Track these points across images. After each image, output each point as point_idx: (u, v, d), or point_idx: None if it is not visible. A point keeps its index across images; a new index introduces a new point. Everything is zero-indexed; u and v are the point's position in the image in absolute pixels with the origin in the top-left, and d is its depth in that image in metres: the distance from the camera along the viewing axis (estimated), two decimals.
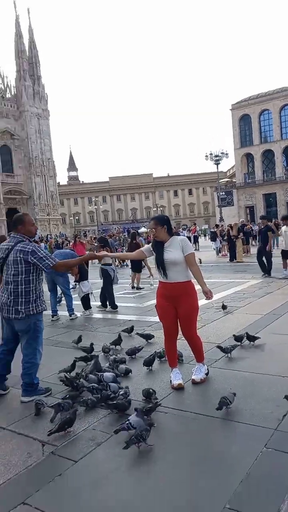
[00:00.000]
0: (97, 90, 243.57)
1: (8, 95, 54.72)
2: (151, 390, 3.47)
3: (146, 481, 2.43)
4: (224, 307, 6.69)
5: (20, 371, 3.84)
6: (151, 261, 4.91)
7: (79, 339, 5.39)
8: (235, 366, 4.20)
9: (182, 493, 2.28)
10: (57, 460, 2.72)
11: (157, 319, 6.30)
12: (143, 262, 10.92)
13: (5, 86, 54.87)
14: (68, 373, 4.08)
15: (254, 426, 2.92)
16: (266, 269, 11.00)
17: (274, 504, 2.11)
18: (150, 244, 3.97)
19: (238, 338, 4.79)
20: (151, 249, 3.85)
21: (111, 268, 8.16)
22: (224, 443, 2.75)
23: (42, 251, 3.76)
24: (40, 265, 3.71)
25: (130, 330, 5.76)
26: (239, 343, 4.74)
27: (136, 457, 2.68)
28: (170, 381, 3.82)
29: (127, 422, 2.79)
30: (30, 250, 3.69)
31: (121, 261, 18.17)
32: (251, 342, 4.79)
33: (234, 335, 4.91)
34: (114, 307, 8.02)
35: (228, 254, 16.68)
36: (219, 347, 4.49)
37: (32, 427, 3.24)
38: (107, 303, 8.12)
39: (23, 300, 3.71)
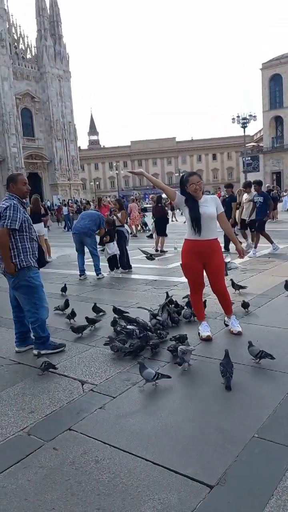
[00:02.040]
0: (119, 51, 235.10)
1: (28, 56, 53.50)
2: (184, 335, 3.78)
3: (179, 412, 2.67)
4: (245, 305, 4.76)
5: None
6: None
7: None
8: (261, 321, 4.35)
9: (213, 422, 2.51)
10: (97, 396, 2.98)
11: (181, 279, 6.50)
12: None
13: (26, 46, 53.52)
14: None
15: (280, 372, 3.10)
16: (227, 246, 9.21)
17: None
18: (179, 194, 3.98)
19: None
20: (183, 201, 3.92)
21: (126, 229, 8.47)
22: (252, 385, 2.94)
23: (12, 211, 3.65)
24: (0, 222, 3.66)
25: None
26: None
27: (170, 393, 2.92)
28: (198, 333, 4.01)
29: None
30: (5, 206, 3.68)
31: (143, 226, 18.31)
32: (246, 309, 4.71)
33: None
34: (130, 267, 8.31)
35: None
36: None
37: (70, 369, 3.50)
38: (124, 264, 8.34)
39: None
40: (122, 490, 2.00)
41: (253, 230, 9.59)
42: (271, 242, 9.16)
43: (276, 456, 2.15)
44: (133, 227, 16.98)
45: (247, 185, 10.08)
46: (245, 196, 9.87)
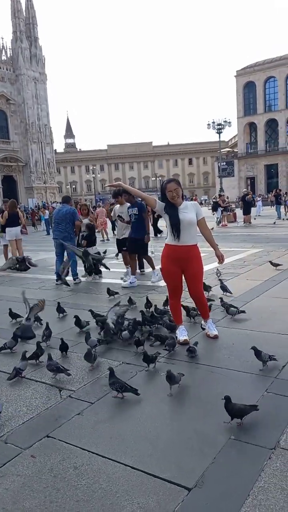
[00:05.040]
0: (95, 53, 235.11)
1: (3, 58, 52.79)
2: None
3: (157, 416, 2.70)
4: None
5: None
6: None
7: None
8: (238, 325, 4.44)
9: (190, 426, 2.55)
10: (75, 402, 2.97)
11: (158, 283, 6.56)
12: None
13: (1, 48, 52.83)
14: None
15: (255, 375, 3.18)
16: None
17: (273, 436, 2.37)
18: (159, 201, 4.05)
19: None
20: (163, 208, 3.96)
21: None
22: (228, 388, 2.99)
23: None
24: None
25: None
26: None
27: (148, 398, 2.94)
28: (176, 337, 4.06)
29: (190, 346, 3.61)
30: None
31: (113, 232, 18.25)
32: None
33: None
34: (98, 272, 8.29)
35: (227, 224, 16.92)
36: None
37: (48, 375, 3.48)
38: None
39: None
40: (101, 495, 2.01)
41: (125, 249, 7.66)
42: (153, 268, 7.15)
43: (252, 457, 2.21)
44: (103, 232, 16.75)
45: (117, 194, 7.40)
46: (117, 208, 7.66)
